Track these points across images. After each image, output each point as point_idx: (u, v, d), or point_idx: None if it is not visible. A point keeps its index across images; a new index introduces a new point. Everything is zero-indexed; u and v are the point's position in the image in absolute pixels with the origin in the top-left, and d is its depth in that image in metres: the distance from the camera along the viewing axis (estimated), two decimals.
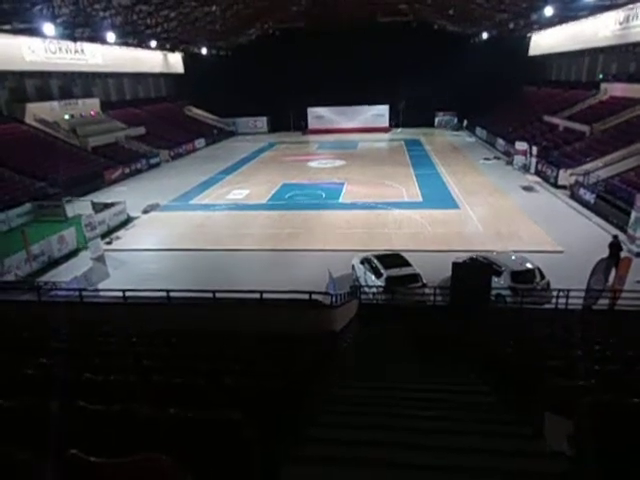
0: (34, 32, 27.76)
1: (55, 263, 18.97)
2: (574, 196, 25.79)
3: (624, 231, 19.25)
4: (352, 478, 3.75)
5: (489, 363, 8.28)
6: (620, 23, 32.25)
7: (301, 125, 59.20)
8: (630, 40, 31.82)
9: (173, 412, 2.78)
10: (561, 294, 12.85)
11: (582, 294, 13.14)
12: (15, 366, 4.62)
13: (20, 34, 30.50)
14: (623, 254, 15.71)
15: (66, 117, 38.65)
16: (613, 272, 14.49)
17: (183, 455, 2.43)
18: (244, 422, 2.71)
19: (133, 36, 37.60)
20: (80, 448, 2.26)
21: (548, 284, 14.43)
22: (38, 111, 36.17)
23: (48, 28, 24.60)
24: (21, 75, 35.70)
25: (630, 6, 30.09)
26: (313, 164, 39.28)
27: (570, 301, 12.75)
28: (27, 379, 4.14)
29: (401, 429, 4.89)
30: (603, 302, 13.50)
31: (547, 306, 13.69)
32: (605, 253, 15.26)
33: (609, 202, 22.38)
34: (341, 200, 27.62)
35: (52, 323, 8.35)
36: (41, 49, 34.67)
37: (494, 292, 13.98)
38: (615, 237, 16.27)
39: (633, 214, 18.61)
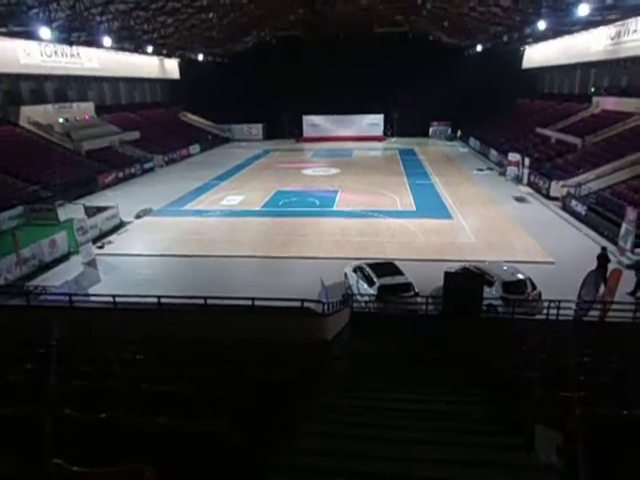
0: (30, 35, 27.70)
1: (46, 267, 18.78)
2: (565, 207, 26.00)
3: (615, 243, 19.42)
4: None
5: (480, 373, 8.29)
6: (612, 38, 32.77)
7: (294, 133, 59.31)
8: (621, 55, 32.33)
9: (160, 421, 2.75)
10: (552, 305, 12.91)
11: (573, 305, 13.20)
12: (1, 372, 4.56)
13: (16, 37, 30.44)
14: (613, 266, 15.83)
15: (60, 120, 38.51)
16: (602, 284, 14.60)
17: (169, 464, 2.40)
18: (231, 431, 2.68)
19: (130, 41, 37.64)
20: (66, 457, 2.23)
21: (539, 295, 14.49)
22: (32, 114, 36.02)
23: (44, 32, 24.56)
24: (16, 78, 35.58)
25: (621, 22, 30.62)
26: (308, 171, 39.35)
27: (561, 312, 12.81)
28: (13, 386, 4.08)
29: (391, 440, 4.86)
30: (594, 314, 13.57)
31: (538, 317, 13.74)
32: (595, 265, 15.38)
33: (600, 214, 22.58)
34: (335, 208, 27.65)
35: (41, 328, 8.26)
36: (37, 52, 34.61)
37: (486, 302, 14.00)
38: (603, 249, 16.40)
39: (623, 226, 18.79)
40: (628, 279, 15.40)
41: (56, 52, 36.63)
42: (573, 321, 13.03)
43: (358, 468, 4.07)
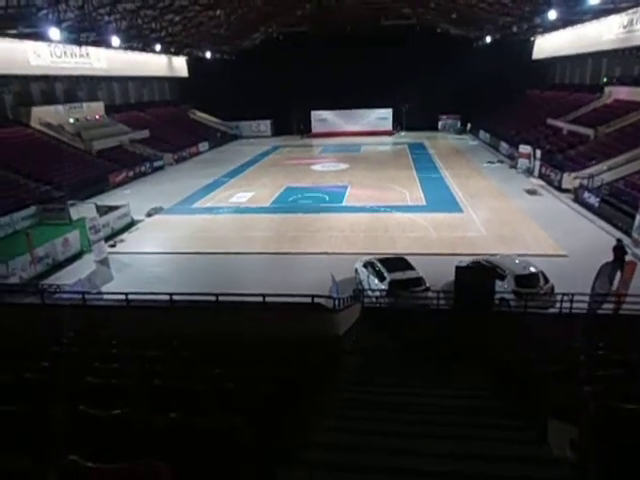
0: (40, 36, 27.92)
1: (59, 266, 19.03)
2: (578, 200, 25.68)
3: (629, 235, 19.15)
4: None
5: (493, 367, 8.24)
6: (624, 27, 32.16)
7: (300, 129, 58.80)
8: (634, 43, 31.72)
9: (172, 417, 2.78)
10: (565, 298, 12.77)
11: (586, 298, 13.05)
12: (17, 369, 4.63)
13: (26, 38, 30.68)
14: (628, 258, 15.60)
15: (71, 121, 38.85)
16: (618, 276, 14.40)
17: (182, 460, 2.42)
18: (242, 427, 2.70)
19: (138, 40, 37.82)
20: (80, 453, 2.26)
21: (552, 288, 14.35)
22: (43, 115, 36.40)
23: (53, 32, 24.75)
24: (26, 79, 35.91)
25: (634, 10, 30.02)
26: (317, 167, 39.31)
27: (574, 305, 12.67)
28: (29, 383, 4.14)
29: (402, 435, 4.86)
30: (608, 306, 13.41)
31: (551, 310, 13.61)
32: (609, 257, 15.17)
33: (613, 206, 22.27)
34: (344, 203, 27.61)
35: (55, 326, 8.37)
36: (46, 53, 34.87)
37: (498, 296, 13.91)
38: (619, 241, 16.16)
39: (638, 218, 18.52)
40: None
41: (65, 53, 36.87)
42: (587, 314, 12.89)
43: (371, 462, 4.08)
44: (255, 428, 2.76)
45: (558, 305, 13.12)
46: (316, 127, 60.08)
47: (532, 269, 14.92)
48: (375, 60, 51.73)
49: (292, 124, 59.07)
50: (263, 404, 3.71)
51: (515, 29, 38.54)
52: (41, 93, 38.12)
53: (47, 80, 38.12)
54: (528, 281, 14.46)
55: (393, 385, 7.88)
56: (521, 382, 5.87)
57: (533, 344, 8.68)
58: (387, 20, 49.20)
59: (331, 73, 51.70)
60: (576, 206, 25.18)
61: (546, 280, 14.59)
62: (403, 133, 57.39)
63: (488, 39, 46.47)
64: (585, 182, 25.85)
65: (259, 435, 2.78)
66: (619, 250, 15.61)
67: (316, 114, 59.77)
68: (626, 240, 18.30)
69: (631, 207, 20.47)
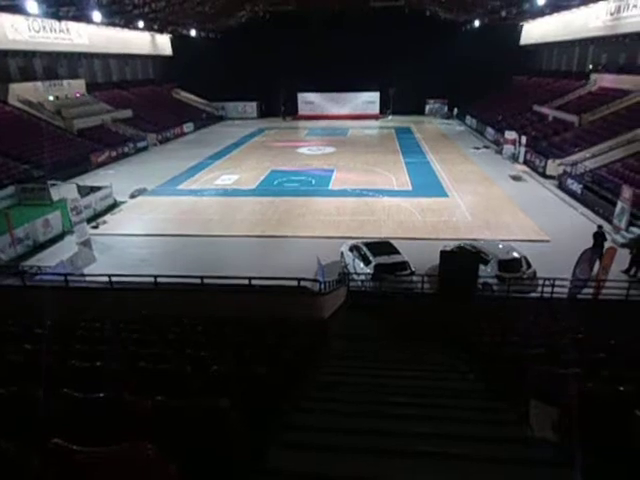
0: (17, 9, 26.95)
1: (40, 247, 18.69)
2: (561, 186, 26.00)
3: (610, 221, 19.49)
4: (337, 463, 3.77)
5: (475, 350, 8.37)
6: (611, 14, 32.28)
7: (283, 111, 57.72)
8: (620, 31, 31.89)
9: (158, 400, 2.75)
10: (547, 283, 13.00)
11: (567, 283, 13.31)
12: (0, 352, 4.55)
13: (2, 11, 29.59)
14: (608, 244, 15.91)
15: (50, 98, 37.80)
16: (597, 262, 14.69)
17: (169, 442, 2.41)
18: (230, 409, 2.69)
19: (120, 16, 36.75)
20: (64, 436, 2.22)
21: (534, 273, 14.58)
22: (22, 92, 35.31)
23: (31, 5, 23.93)
24: (4, 54, 34.73)
25: None
26: (303, 150, 39.02)
27: (555, 290, 12.92)
28: (10, 366, 4.08)
29: (388, 416, 4.93)
30: (588, 291, 13.69)
31: (533, 295, 13.85)
32: (591, 243, 15.46)
33: (596, 192, 22.61)
34: (330, 187, 27.51)
35: (36, 308, 8.24)
36: (24, 27, 33.69)
37: (481, 280, 14.09)
38: (600, 227, 16.46)
39: (619, 204, 18.83)
40: (623, 257, 15.52)
41: (44, 27, 35.69)
42: (567, 299, 13.15)
43: (355, 444, 4.13)
44: (243, 409, 2.76)
45: (540, 290, 13.36)
46: (302, 109, 59.46)
47: (515, 254, 15.12)
48: (363, 42, 51.04)
49: (279, 106, 58.29)
50: (249, 386, 3.71)
51: (504, 14, 38.40)
52: (19, 69, 36.90)
53: (26, 56, 36.88)
54: (511, 266, 14.67)
55: (378, 368, 7.97)
56: (503, 364, 5.97)
57: (515, 327, 8.83)
58: (376, 1, 48.55)
59: (318, 55, 50.94)
60: (560, 192, 25.49)
61: (528, 265, 14.81)
62: (390, 117, 57.14)
63: (477, 23, 46.25)
64: (569, 169, 26.14)
65: (247, 416, 2.78)
66: (599, 236, 15.91)
67: (302, 96, 59.09)
68: (607, 227, 18.65)
69: (613, 194, 20.79)
